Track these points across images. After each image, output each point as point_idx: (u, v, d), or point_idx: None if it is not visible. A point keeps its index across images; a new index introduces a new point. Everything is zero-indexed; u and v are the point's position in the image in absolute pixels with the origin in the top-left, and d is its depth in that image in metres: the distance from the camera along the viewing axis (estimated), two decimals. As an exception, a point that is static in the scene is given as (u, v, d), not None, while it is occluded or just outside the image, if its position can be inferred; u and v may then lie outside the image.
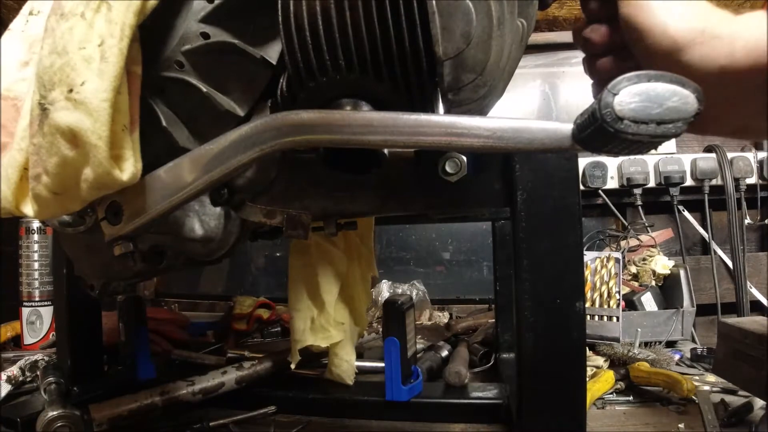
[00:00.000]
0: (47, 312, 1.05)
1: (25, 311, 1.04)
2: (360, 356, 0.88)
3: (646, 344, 0.92)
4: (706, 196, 1.22)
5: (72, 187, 0.31)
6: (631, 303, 1.03)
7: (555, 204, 0.46)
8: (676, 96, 0.23)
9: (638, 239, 1.19)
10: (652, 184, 1.23)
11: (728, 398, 0.68)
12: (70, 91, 0.28)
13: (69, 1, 0.31)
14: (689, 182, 1.22)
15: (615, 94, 0.22)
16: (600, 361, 0.85)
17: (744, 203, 1.21)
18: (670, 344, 0.98)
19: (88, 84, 0.28)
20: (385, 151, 0.46)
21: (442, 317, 1.25)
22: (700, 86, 0.26)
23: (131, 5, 0.30)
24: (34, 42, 0.34)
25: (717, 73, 0.30)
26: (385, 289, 1.27)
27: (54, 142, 0.29)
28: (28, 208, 0.33)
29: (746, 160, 1.21)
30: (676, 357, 0.89)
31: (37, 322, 1.05)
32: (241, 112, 0.40)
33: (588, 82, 0.45)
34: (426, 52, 0.34)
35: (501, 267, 0.84)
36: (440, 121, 0.30)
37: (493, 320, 0.89)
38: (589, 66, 0.39)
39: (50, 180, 0.31)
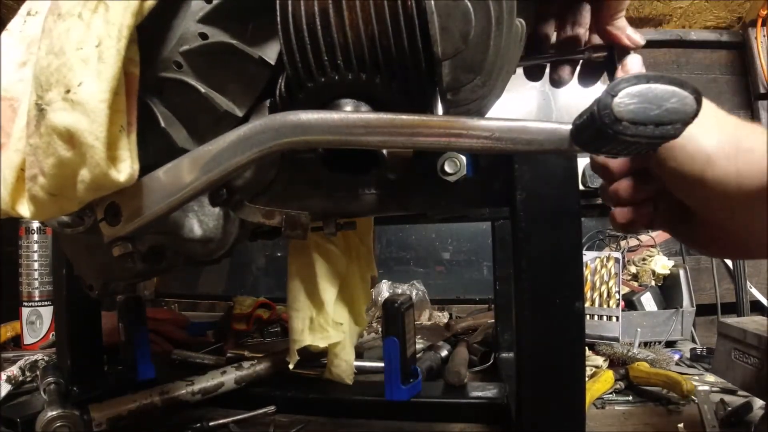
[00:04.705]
0: (47, 312, 1.05)
1: (25, 311, 1.04)
2: (359, 356, 0.88)
3: (646, 344, 0.92)
4: (706, 195, 1.22)
5: (68, 187, 0.31)
6: (630, 303, 1.03)
7: (554, 204, 0.46)
8: (674, 97, 0.22)
9: (638, 239, 1.20)
10: (652, 183, 1.23)
11: (727, 398, 0.68)
12: (68, 91, 0.28)
13: (66, 1, 0.30)
14: (689, 182, 1.22)
15: (614, 96, 0.22)
16: (599, 360, 0.85)
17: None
18: (670, 344, 0.98)
19: (85, 85, 0.28)
20: (384, 151, 0.46)
21: (442, 317, 1.25)
22: (734, 206, 0.25)
23: (129, 6, 0.30)
24: (31, 42, 0.34)
25: (755, 190, 0.28)
26: (384, 289, 1.27)
27: (51, 142, 0.29)
28: (25, 209, 0.33)
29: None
30: (676, 357, 0.89)
31: (37, 322, 1.05)
32: (239, 113, 0.40)
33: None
34: (425, 53, 0.34)
35: (500, 267, 0.84)
36: (439, 121, 0.30)
37: (493, 320, 0.89)
38: (604, 191, 0.37)
39: (47, 181, 0.31)
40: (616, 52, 0.39)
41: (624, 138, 0.23)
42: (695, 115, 0.23)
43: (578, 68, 0.43)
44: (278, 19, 0.35)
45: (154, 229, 0.41)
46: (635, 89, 0.22)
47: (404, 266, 1.41)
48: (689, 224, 0.35)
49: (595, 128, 0.23)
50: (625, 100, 0.22)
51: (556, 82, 0.43)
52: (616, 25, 0.38)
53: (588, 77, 0.43)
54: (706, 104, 0.29)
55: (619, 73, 0.38)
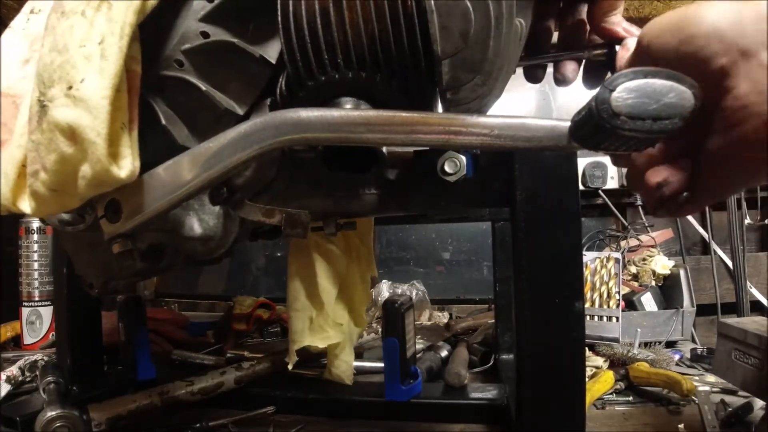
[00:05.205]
0: (47, 312, 1.05)
1: (25, 311, 1.05)
2: (359, 356, 0.88)
3: (646, 344, 0.92)
4: (706, 196, 1.22)
5: (70, 184, 0.31)
6: (631, 303, 1.03)
7: (554, 204, 0.46)
8: (672, 92, 0.23)
9: (638, 239, 1.20)
10: (652, 184, 1.23)
11: (728, 398, 0.68)
12: (70, 88, 0.28)
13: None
14: (689, 182, 1.22)
15: (611, 90, 0.22)
16: (600, 361, 0.85)
17: (744, 203, 1.21)
18: (670, 344, 0.98)
19: (87, 81, 0.28)
20: (385, 151, 0.46)
21: (442, 317, 1.25)
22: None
23: (131, 4, 0.30)
24: (35, 40, 0.34)
25: None
26: (384, 289, 1.27)
27: (53, 138, 0.29)
28: (26, 205, 0.33)
29: (746, 160, 1.21)
30: (676, 357, 0.89)
31: (37, 322, 1.05)
32: (240, 111, 0.40)
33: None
34: (424, 51, 0.34)
35: (500, 268, 0.84)
36: (438, 118, 0.31)
37: (493, 320, 0.89)
38: (636, 180, 0.31)
39: (48, 177, 0.31)
40: (616, 47, 0.39)
41: (622, 133, 0.23)
42: (693, 109, 0.23)
43: (582, 70, 0.43)
44: (279, 18, 0.35)
45: (155, 227, 0.41)
46: (633, 84, 0.22)
47: (404, 266, 1.41)
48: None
49: (594, 123, 0.23)
50: (623, 94, 0.22)
51: (560, 81, 0.43)
52: (611, 21, 0.38)
53: (592, 78, 0.43)
54: None
55: (621, 53, 0.38)
